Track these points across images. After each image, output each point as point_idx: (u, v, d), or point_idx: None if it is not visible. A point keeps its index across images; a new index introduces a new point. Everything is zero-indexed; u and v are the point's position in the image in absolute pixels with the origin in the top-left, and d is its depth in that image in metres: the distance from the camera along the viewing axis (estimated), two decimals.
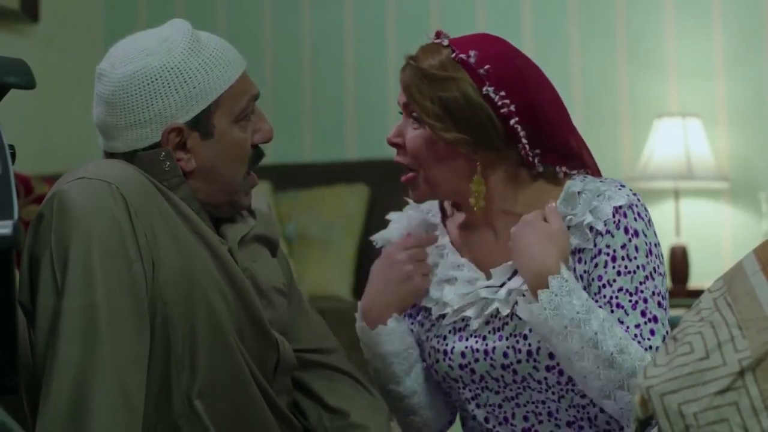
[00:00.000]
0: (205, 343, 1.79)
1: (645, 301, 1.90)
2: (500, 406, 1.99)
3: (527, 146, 1.93)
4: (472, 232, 2.03)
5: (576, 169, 1.99)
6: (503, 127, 1.92)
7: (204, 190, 1.89)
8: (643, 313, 1.89)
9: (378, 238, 2.13)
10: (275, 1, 4.95)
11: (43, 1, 4.71)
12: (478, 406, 2.01)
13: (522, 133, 1.92)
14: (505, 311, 1.94)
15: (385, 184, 4.38)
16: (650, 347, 1.87)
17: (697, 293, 3.84)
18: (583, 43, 4.59)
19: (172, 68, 1.85)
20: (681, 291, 4.17)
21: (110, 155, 1.90)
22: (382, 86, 4.73)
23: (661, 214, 4.39)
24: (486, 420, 2.00)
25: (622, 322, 1.88)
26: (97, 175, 1.76)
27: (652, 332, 1.88)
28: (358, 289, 4.29)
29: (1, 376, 1.62)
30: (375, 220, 4.37)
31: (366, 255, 4.35)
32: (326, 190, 4.48)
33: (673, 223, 4.36)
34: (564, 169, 1.97)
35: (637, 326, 1.88)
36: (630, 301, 1.89)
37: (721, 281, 1.74)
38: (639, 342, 1.87)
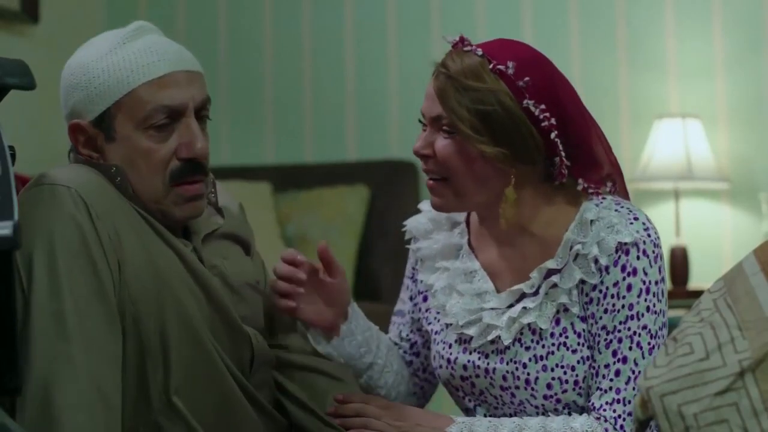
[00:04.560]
0: (176, 339, 1.80)
1: (620, 341, 1.88)
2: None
3: (565, 160, 1.89)
4: (490, 241, 2.00)
5: (599, 182, 1.94)
6: (543, 140, 1.87)
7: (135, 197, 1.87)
8: (614, 353, 1.89)
9: (408, 224, 2.09)
10: (275, 1, 4.95)
11: (43, 1, 4.70)
12: (477, 415, 2.00)
13: (561, 147, 1.88)
14: (507, 340, 1.92)
15: (385, 185, 4.37)
16: (609, 388, 1.88)
17: (697, 294, 3.84)
18: (583, 43, 4.59)
19: (83, 66, 1.88)
20: (681, 292, 4.17)
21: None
22: (383, 87, 4.72)
23: (661, 215, 4.39)
24: None
25: (595, 360, 1.90)
26: (58, 181, 1.78)
27: (617, 373, 1.88)
28: (358, 290, 4.29)
29: (1, 376, 1.62)
30: (375, 221, 4.37)
31: (366, 256, 4.35)
32: (326, 190, 4.47)
33: (673, 223, 4.35)
34: (585, 184, 1.93)
35: (606, 366, 1.89)
36: (606, 339, 1.89)
37: (721, 282, 1.74)
38: (601, 381, 1.89)
